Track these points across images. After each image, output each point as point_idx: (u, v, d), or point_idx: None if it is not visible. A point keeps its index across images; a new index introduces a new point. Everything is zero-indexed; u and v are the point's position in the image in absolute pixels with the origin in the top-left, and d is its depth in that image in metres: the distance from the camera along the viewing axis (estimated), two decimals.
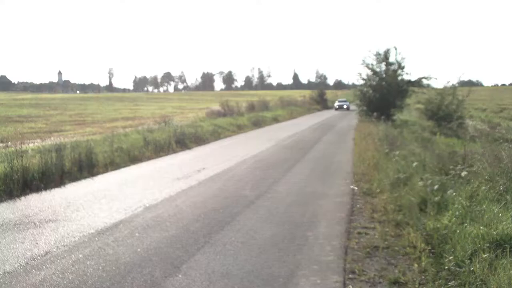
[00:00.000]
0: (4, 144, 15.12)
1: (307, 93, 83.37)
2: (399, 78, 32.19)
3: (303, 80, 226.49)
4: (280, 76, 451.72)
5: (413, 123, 32.30)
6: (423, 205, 7.33)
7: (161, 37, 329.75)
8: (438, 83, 37.11)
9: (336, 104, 65.82)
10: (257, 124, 30.92)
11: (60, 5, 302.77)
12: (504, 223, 5.65)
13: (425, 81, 32.12)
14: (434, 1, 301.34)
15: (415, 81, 32.23)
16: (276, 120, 36.84)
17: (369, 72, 33.45)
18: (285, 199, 9.21)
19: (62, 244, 6.38)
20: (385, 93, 31.57)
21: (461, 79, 36.36)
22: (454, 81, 31.11)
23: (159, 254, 5.96)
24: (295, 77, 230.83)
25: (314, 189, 10.12)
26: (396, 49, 32.73)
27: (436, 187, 7.64)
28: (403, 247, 6.04)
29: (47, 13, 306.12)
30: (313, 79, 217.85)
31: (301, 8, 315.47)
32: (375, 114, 29.96)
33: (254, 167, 13.34)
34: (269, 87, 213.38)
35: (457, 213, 6.38)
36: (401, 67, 32.17)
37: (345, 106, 63.09)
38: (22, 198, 9.45)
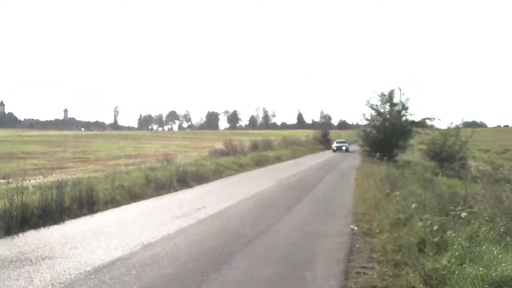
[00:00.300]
0: (5, 181, 15.20)
1: (310, 133, 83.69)
2: (403, 118, 32.33)
3: (308, 120, 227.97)
4: (285, 116, 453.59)
5: (416, 164, 32.25)
6: (422, 246, 7.26)
7: (168, 76, 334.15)
8: (441, 124, 37.21)
9: (334, 145, 61.17)
10: (260, 163, 30.99)
11: (68, 43, 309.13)
12: (504, 264, 5.59)
13: (428, 122, 32.19)
14: (439, 43, 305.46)
15: (418, 122, 32.26)
16: (279, 159, 36.91)
17: (373, 113, 33.60)
18: (284, 238, 9.16)
19: (58, 281, 6.31)
20: (389, 133, 31.67)
21: (465, 120, 36.56)
22: (457, 122, 31.22)
23: None
24: (300, 117, 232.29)
25: (314, 229, 10.06)
26: (400, 90, 32.98)
27: (435, 227, 7.57)
28: (401, 287, 5.97)
29: (55, 51, 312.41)
30: (317, 119, 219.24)
31: (308, 48, 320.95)
32: (377, 154, 29.94)
33: (254, 206, 13.32)
34: (274, 126, 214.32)
35: (456, 253, 6.31)
36: (405, 108, 32.30)
37: (344, 148, 58.71)
38: (20, 234, 9.38)
